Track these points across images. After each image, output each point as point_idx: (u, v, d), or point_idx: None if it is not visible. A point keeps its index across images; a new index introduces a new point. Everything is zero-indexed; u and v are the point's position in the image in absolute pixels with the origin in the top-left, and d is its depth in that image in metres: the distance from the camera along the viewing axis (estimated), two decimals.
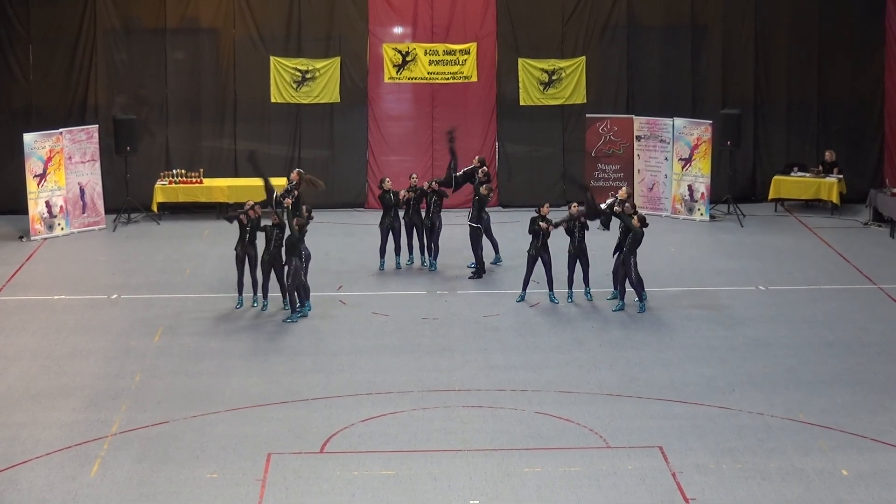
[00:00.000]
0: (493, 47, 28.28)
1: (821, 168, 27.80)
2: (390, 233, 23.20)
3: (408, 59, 28.15)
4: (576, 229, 21.22)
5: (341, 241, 25.42)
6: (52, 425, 16.38)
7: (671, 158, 27.42)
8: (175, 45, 28.09)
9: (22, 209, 26.02)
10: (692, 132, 27.20)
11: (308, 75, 28.00)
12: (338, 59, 28.09)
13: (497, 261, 23.49)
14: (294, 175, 22.68)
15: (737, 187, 28.13)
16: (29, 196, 25.53)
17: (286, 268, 20.45)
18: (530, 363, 18.67)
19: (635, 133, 27.82)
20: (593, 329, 20.22)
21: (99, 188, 26.62)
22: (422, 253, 23.48)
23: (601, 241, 22.54)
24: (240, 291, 21.26)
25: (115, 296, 22.03)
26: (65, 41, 27.61)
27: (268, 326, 20.39)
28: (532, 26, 28.30)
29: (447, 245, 23.69)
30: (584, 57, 28.28)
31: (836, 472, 14.99)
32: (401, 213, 23.20)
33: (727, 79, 28.56)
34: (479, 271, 22.85)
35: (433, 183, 23.24)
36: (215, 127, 28.26)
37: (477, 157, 23.89)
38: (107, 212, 26.84)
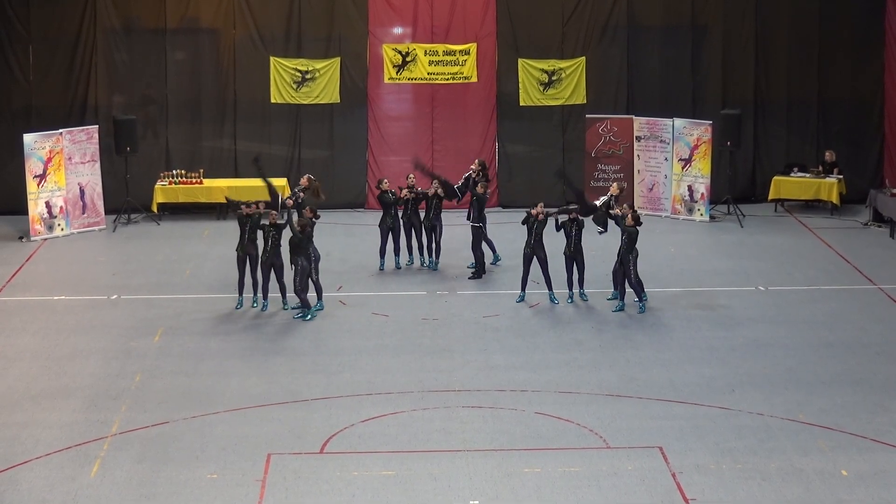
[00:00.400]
0: (492, 48, 28.28)
1: (821, 168, 27.80)
2: (390, 233, 23.22)
3: (408, 59, 28.15)
4: (572, 230, 21.20)
5: (341, 241, 25.42)
6: (52, 426, 16.39)
7: (671, 159, 27.42)
8: (175, 46, 28.10)
9: (22, 210, 26.03)
10: (692, 132, 27.20)
11: (308, 76, 28.01)
12: (338, 60, 28.10)
13: (496, 260, 23.51)
14: (304, 180, 22.63)
15: (737, 188, 28.14)
16: (29, 196, 25.54)
17: (293, 268, 20.48)
18: (530, 363, 18.68)
19: (635, 133, 27.82)
20: (593, 329, 20.23)
21: (99, 188, 26.62)
22: (420, 253, 23.49)
23: (600, 242, 22.54)
24: (240, 292, 21.27)
25: (115, 296, 22.03)
26: (65, 41, 27.61)
27: (268, 327, 20.40)
28: (532, 26, 28.31)
29: (447, 245, 23.71)
30: (583, 57, 28.29)
31: (835, 472, 14.99)
32: (399, 214, 23.20)
33: (727, 79, 28.56)
34: (478, 271, 22.86)
35: (437, 190, 23.15)
36: (215, 127, 28.27)
37: (477, 161, 23.84)
38: (107, 212, 26.84)
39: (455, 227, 24.52)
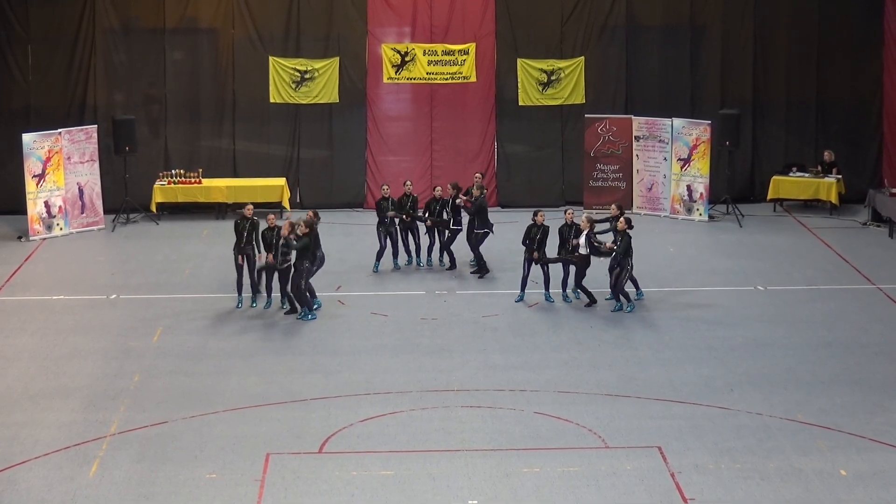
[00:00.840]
0: (491, 47, 28.27)
1: (819, 168, 27.80)
2: (388, 238, 23.21)
3: (407, 59, 28.14)
4: (570, 237, 21.27)
5: (340, 241, 25.40)
6: (50, 425, 16.38)
7: (670, 158, 27.41)
8: (174, 46, 28.09)
9: (21, 209, 26.02)
10: (691, 132, 27.20)
11: (307, 75, 28.00)
12: (337, 60, 28.09)
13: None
14: (310, 216, 21.74)
15: (735, 187, 28.13)
16: (28, 196, 25.53)
17: (294, 270, 20.49)
18: (529, 363, 18.68)
19: (634, 133, 27.81)
20: (592, 329, 20.23)
21: (98, 188, 26.61)
22: (417, 254, 23.45)
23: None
24: (239, 292, 21.28)
25: (114, 296, 22.03)
26: (64, 41, 27.61)
27: (267, 327, 20.39)
28: (531, 26, 28.30)
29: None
30: (582, 57, 28.28)
31: (834, 472, 15.00)
32: (397, 221, 23.19)
33: (726, 79, 28.56)
34: (481, 269, 22.86)
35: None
36: (214, 127, 28.26)
37: (449, 185, 23.48)
38: (106, 212, 26.83)
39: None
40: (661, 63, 28.60)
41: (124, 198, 26.94)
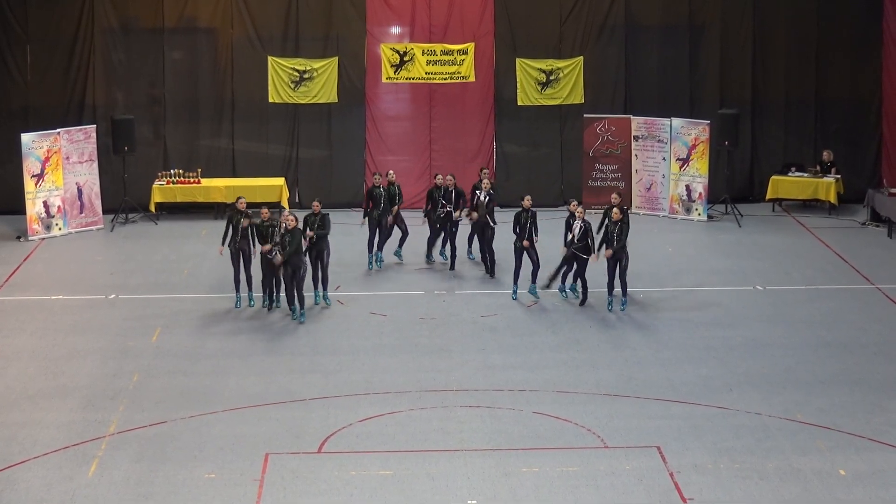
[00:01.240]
0: (490, 47, 28.27)
1: (818, 168, 27.81)
2: (378, 228, 23.29)
3: (405, 59, 28.14)
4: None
5: (339, 240, 25.32)
6: (49, 425, 16.38)
7: (669, 158, 27.42)
8: (173, 45, 28.09)
9: (20, 209, 26.03)
10: (690, 132, 27.20)
11: (306, 75, 28.00)
12: (335, 60, 28.09)
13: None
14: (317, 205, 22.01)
15: (734, 187, 28.14)
16: (27, 196, 25.53)
17: (314, 263, 20.80)
18: (528, 363, 18.67)
19: (633, 133, 27.82)
20: (591, 329, 20.22)
21: (97, 188, 26.61)
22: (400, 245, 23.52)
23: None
24: (237, 289, 21.28)
25: (112, 296, 22.03)
26: (63, 41, 27.61)
27: (266, 326, 20.39)
28: (530, 26, 28.30)
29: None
30: (581, 57, 28.28)
31: (833, 472, 14.99)
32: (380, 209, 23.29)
33: (725, 78, 28.56)
34: (491, 268, 22.86)
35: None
36: (213, 127, 28.26)
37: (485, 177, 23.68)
38: (104, 212, 26.83)
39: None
40: (659, 63, 28.60)
41: (123, 198, 26.94)
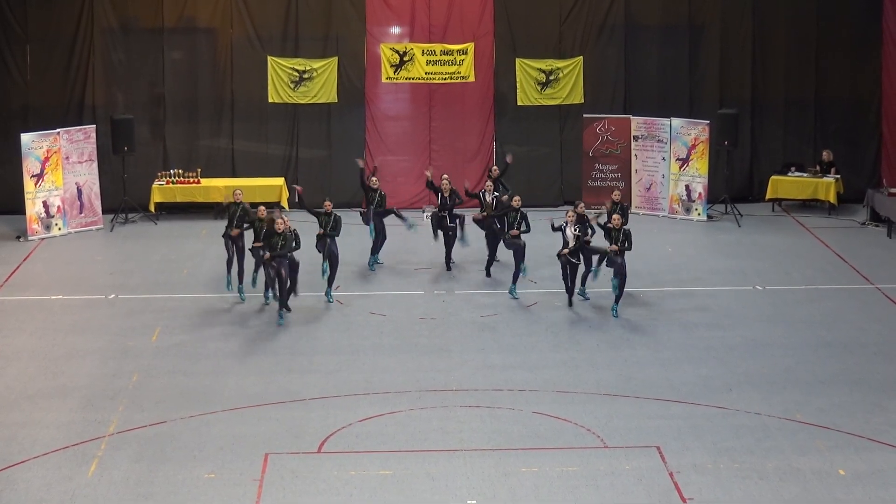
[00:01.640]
0: (490, 47, 28.27)
1: (818, 168, 27.81)
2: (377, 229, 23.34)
3: (405, 59, 28.14)
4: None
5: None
6: (49, 425, 16.38)
7: (668, 158, 27.42)
8: (172, 45, 28.08)
9: (19, 209, 26.02)
10: (689, 132, 27.20)
11: (305, 75, 28.00)
12: (335, 59, 28.09)
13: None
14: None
15: (734, 187, 28.14)
16: (26, 196, 25.53)
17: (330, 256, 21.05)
18: (528, 363, 18.67)
19: (633, 133, 27.82)
20: (591, 329, 20.22)
21: (96, 188, 26.61)
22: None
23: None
24: (229, 271, 21.45)
25: (112, 296, 22.03)
26: (62, 41, 27.60)
27: (265, 326, 20.38)
28: (529, 26, 28.30)
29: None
30: (581, 57, 28.28)
31: (833, 471, 14.99)
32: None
33: (724, 78, 28.56)
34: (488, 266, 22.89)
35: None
36: (213, 127, 28.26)
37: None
38: (104, 212, 26.83)
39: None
40: (659, 63, 28.60)
41: (123, 198, 26.94)
